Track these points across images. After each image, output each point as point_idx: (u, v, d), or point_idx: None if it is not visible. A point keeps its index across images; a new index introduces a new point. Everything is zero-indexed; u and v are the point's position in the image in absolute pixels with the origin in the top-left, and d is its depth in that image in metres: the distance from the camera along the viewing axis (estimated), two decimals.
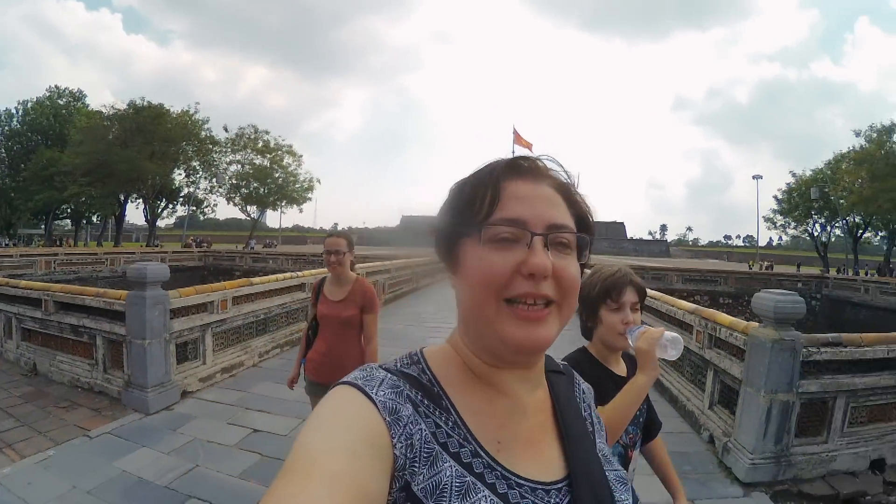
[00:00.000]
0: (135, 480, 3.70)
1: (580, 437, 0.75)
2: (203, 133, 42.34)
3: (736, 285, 22.18)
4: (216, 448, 4.31)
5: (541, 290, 0.62)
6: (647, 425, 1.80)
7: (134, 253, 23.25)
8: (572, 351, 1.79)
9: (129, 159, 34.79)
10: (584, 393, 0.87)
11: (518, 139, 46.51)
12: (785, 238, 61.75)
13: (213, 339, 6.25)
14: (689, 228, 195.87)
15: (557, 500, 0.66)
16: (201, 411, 5.15)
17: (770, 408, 4.18)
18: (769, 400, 4.17)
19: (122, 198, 40.83)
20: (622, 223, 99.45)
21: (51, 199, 39.54)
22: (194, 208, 47.03)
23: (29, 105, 46.08)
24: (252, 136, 45.08)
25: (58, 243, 43.83)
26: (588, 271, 1.81)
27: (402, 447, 0.58)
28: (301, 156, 47.30)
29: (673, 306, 6.51)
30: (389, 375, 0.65)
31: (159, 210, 44.66)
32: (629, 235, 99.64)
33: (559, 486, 0.67)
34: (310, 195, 48.72)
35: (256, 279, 7.52)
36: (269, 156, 45.37)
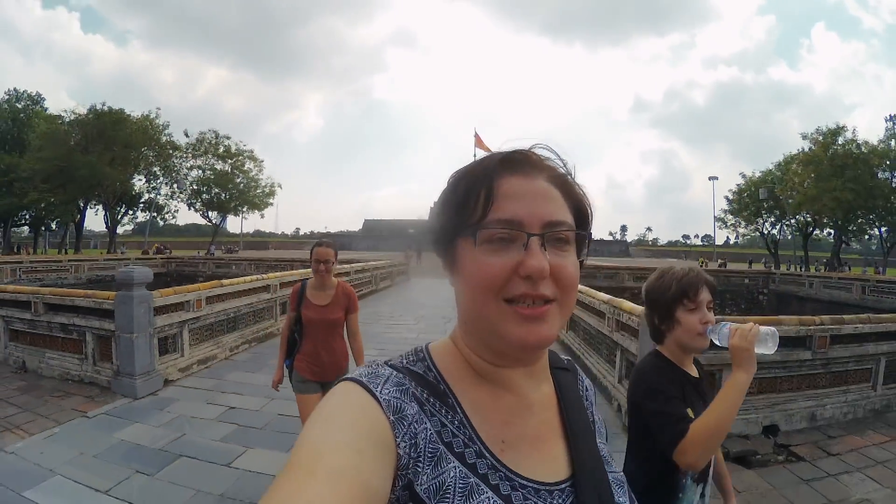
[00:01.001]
0: (132, 446, 4.45)
1: (584, 435, 0.75)
2: (164, 138, 42.22)
3: None
4: (199, 421, 5.08)
5: (539, 291, 0.62)
6: None
7: (97, 260, 23.76)
8: (645, 356, 1.82)
9: (89, 165, 34.57)
10: (587, 390, 0.87)
11: (479, 142, 47.48)
12: (740, 237, 64.32)
13: (189, 335, 6.99)
14: (649, 228, 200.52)
15: (561, 500, 0.66)
16: (183, 395, 5.90)
17: None
18: None
19: (82, 204, 40.35)
20: None
21: (10, 205, 38.94)
22: (155, 214, 46.74)
23: None
24: (213, 141, 45.10)
25: (16, 250, 43.23)
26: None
27: (405, 446, 0.59)
28: (262, 161, 47.64)
29: (593, 297, 7.43)
30: (395, 373, 0.66)
31: (119, 216, 44.26)
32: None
33: (562, 486, 0.67)
34: (271, 200, 49.07)
35: (226, 281, 8.33)
36: (230, 161, 45.43)
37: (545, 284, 0.62)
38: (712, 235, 65.25)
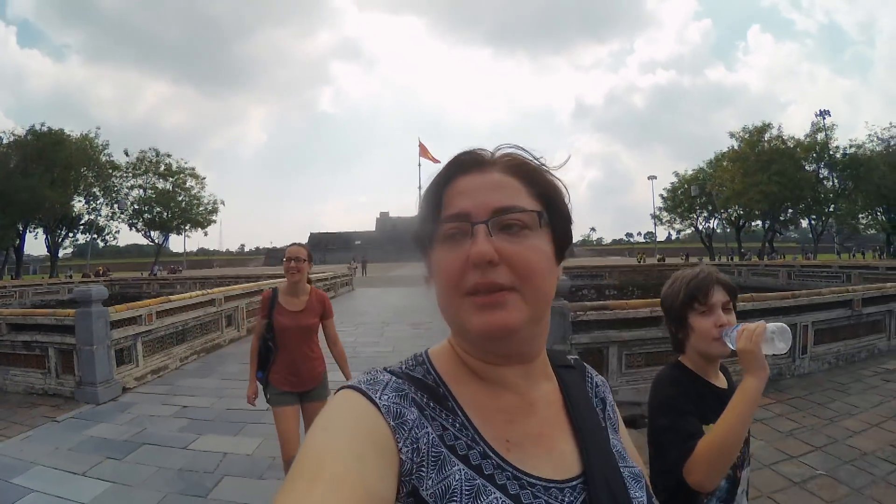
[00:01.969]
0: (101, 440, 5.20)
1: (594, 432, 0.74)
2: (103, 158, 41.91)
3: (620, 278, 24.99)
4: (157, 418, 5.85)
5: (489, 278, 0.61)
6: None
7: (41, 285, 23.78)
8: (663, 367, 1.74)
9: (30, 188, 34.20)
10: (597, 386, 0.86)
11: (424, 152, 48.46)
12: (678, 233, 67.24)
13: (143, 346, 7.70)
14: (593, 229, 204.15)
15: (572, 498, 0.65)
16: (140, 399, 6.63)
17: None
18: (549, 349, 6.03)
19: (21, 228, 39.52)
20: None
21: None
22: (96, 236, 46.08)
23: None
24: (154, 160, 45.15)
25: None
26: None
27: (408, 451, 0.59)
28: (204, 178, 47.96)
29: None
30: (394, 378, 0.67)
31: (60, 239, 43.49)
32: None
33: (573, 483, 0.66)
34: (214, 217, 49.37)
35: (174, 297, 9.09)
36: (171, 179, 45.51)
37: (497, 272, 0.62)
38: (654, 233, 67.62)
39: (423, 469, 0.59)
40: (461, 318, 0.64)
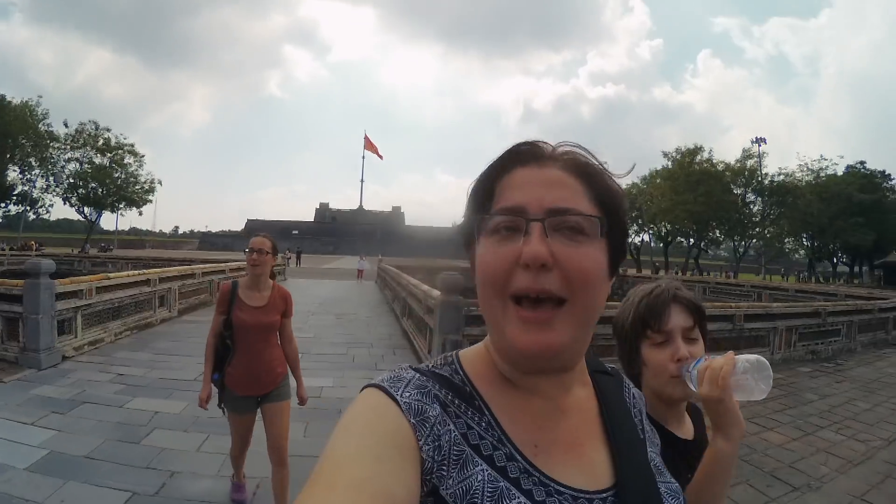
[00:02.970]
0: (46, 398, 5.97)
1: (630, 442, 0.71)
2: (43, 128, 40.66)
3: None
4: (95, 383, 6.64)
5: (540, 284, 0.58)
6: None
7: None
8: None
9: None
10: (634, 398, 0.82)
11: (369, 146, 48.92)
12: None
13: (82, 319, 8.39)
14: None
15: None
16: (79, 367, 7.36)
17: (444, 344, 6.91)
18: (443, 339, 6.90)
19: None
20: None
21: None
22: (28, 208, 44.87)
23: None
24: (93, 133, 43.84)
25: None
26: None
27: (429, 449, 0.57)
28: (143, 156, 46.90)
29: (416, 287, 9.44)
30: (417, 376, 0.64)
31: None
32: None
33: (604, 495, 0.64)
34: (150, 197, 48.37)
35: (112, 274, 9.87)
36: (109, 155, 44.36)
37: (549, 278, 0.58)
38: None
39: (445, 467, 0.57)
40: (502, 325, 0.62)
